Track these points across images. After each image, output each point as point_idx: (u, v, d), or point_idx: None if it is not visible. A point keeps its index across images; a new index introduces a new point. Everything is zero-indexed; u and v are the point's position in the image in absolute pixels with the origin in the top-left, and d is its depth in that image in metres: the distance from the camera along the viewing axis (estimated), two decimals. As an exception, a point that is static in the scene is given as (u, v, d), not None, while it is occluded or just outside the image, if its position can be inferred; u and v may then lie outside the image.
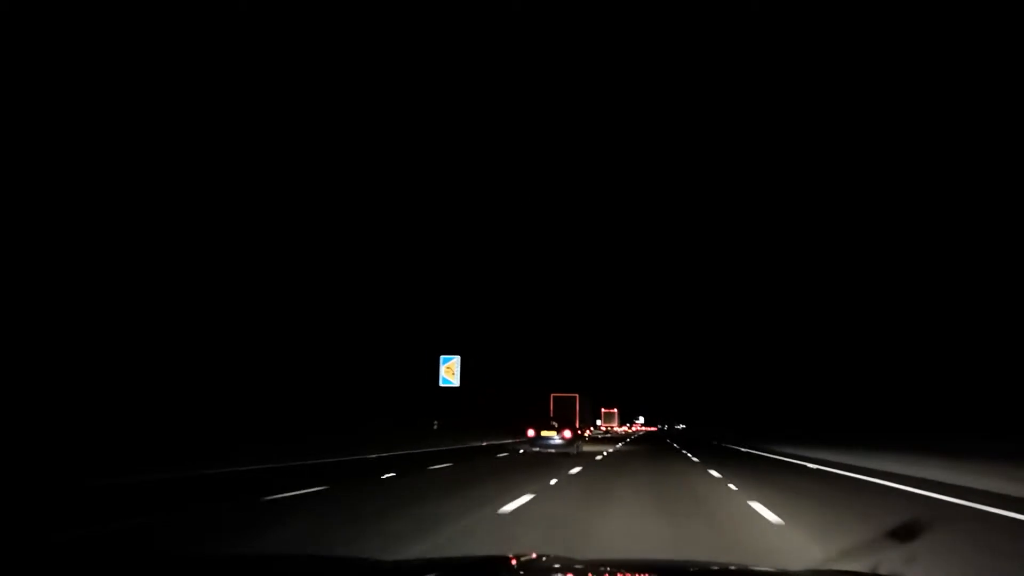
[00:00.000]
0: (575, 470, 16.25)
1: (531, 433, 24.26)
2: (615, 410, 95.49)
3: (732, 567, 3.56)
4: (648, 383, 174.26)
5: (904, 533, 6.55)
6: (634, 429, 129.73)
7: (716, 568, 3.38)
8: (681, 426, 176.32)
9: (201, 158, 28.47)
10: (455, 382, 42.80)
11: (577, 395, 46.02)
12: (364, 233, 42.92)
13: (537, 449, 23.55)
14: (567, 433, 23.85)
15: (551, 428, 24.17)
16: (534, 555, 3.48)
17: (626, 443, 40.42)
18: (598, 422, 71.41)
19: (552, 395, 46.15)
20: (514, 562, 3.07)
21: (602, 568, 3.20)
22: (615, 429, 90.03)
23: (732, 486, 12.18)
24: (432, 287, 50.80)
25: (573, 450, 23.66)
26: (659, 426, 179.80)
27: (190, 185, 27.58)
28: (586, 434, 51.45)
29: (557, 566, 3.16)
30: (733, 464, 20.03)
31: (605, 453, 25.90)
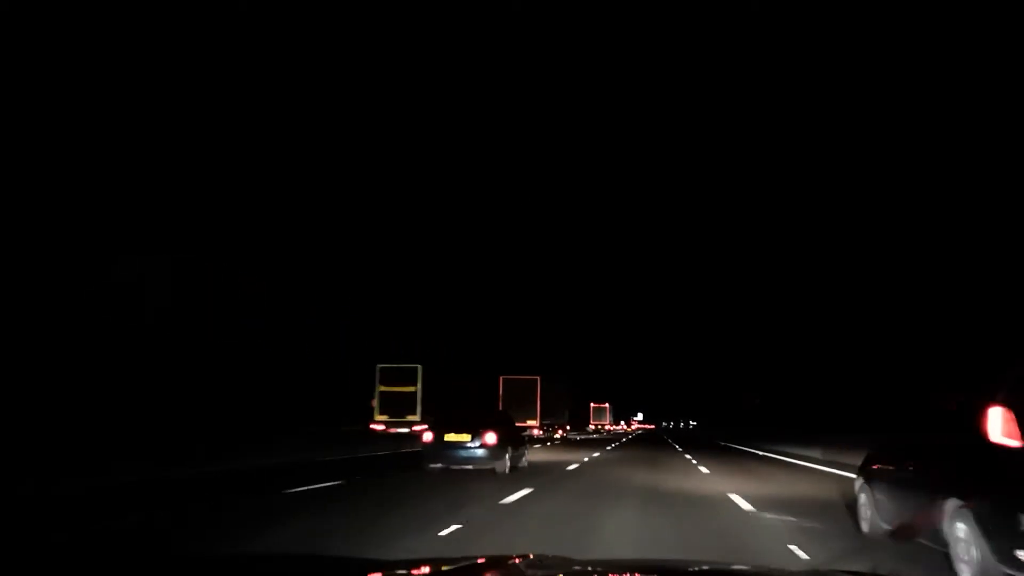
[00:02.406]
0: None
1: (428, 437, 15.39)
2: (606, 405, 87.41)
3: (731, 567, 3.71)
4: (650, 379, 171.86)
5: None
6: (632, 427, 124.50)
7: (715, 568, 3.48)
8: (693, 423, 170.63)
9: (201, 157, 29.55)
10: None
11: (539, 378, 35.73)
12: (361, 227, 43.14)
13: (440, 464, 14.87)
14: (490, 437, 14.70)
15: (463, 429, 14.95)
16: (533, 555, 3.51)
17: (612, 448, 31.12)
18: (566, 416, 60.46)
19: (501, 378, 35.71)
20: (513, 562, 3.13)
21: (601, 568, 3.30)
22: (607, 427, 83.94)
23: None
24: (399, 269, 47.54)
25: (502, 465, 14.88)
26: (663, 424, 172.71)
27: (187, 184, 28.58)
28: (558, 435, 40.79)
29: (556, 567, 3.23)
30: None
31: (567, 469, 17.52)
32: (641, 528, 7.97)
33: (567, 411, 47.25)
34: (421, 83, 63.40)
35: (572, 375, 68.31)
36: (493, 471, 14.71)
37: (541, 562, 3.29)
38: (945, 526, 5.38)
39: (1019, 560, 4.52)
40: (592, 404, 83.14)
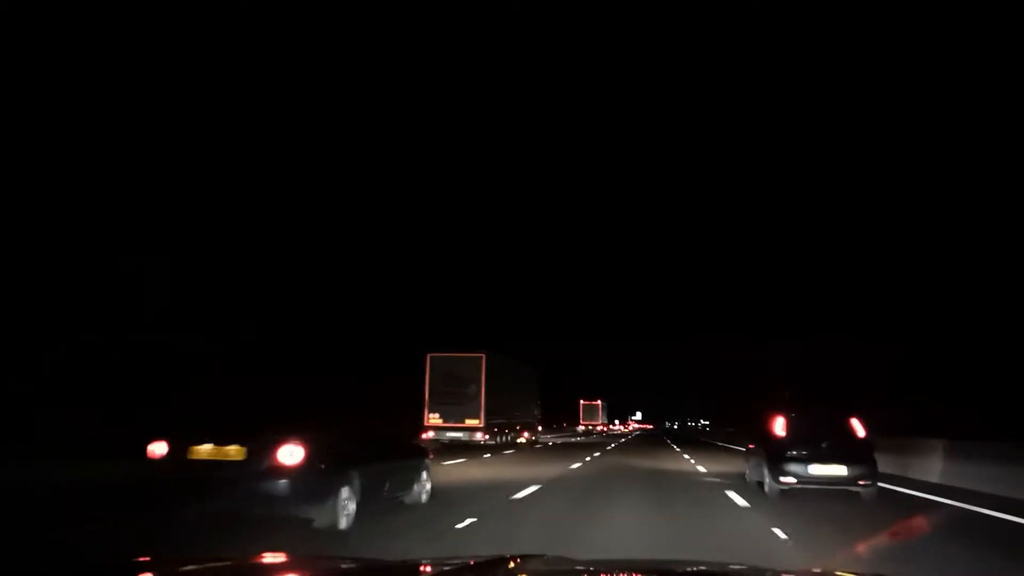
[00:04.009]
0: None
1: (159, 450, 7.85)
2: (599, 402, 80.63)
3: (731, 567, 3.91)
4: (653, 374, 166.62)
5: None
6: (630, 428, 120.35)
7: (715, 569, 3.67)
8: (704, 423, 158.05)
9: (201, 157, 29.72)
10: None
11: (484, 355, 27.13)
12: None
13: (196, 508, 7.65)
14: (287, 452, 7.40)
15: (232, 436, 7.69)
16: (534, 556, 3.55)
17: (605, 453, 27.69)
18: (536, 413, 43.07)
19: (429, 356, 27.17)
20: (514, 563, 3.22)
21: (602, 569, 3.46)
22: (599, 428, 77.68)
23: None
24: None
25: (328, 513, 7.56)
26: (665, 424, 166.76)
27: (187, 184, 28.58)
28: (522, 439, 32.60)
29: (557, 567, 3.41)
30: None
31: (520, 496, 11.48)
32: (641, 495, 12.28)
33: (536, 407, 36.96)
34: (419, 81, 66.84)
35: (562, 370, 65.58)
36: (312, 523, 7.53)
37: (542, 562, 3.41)
38: (762, 471, 11.92)
39: (783, 481, 11.14)
40: (582, 401, 78.35)
